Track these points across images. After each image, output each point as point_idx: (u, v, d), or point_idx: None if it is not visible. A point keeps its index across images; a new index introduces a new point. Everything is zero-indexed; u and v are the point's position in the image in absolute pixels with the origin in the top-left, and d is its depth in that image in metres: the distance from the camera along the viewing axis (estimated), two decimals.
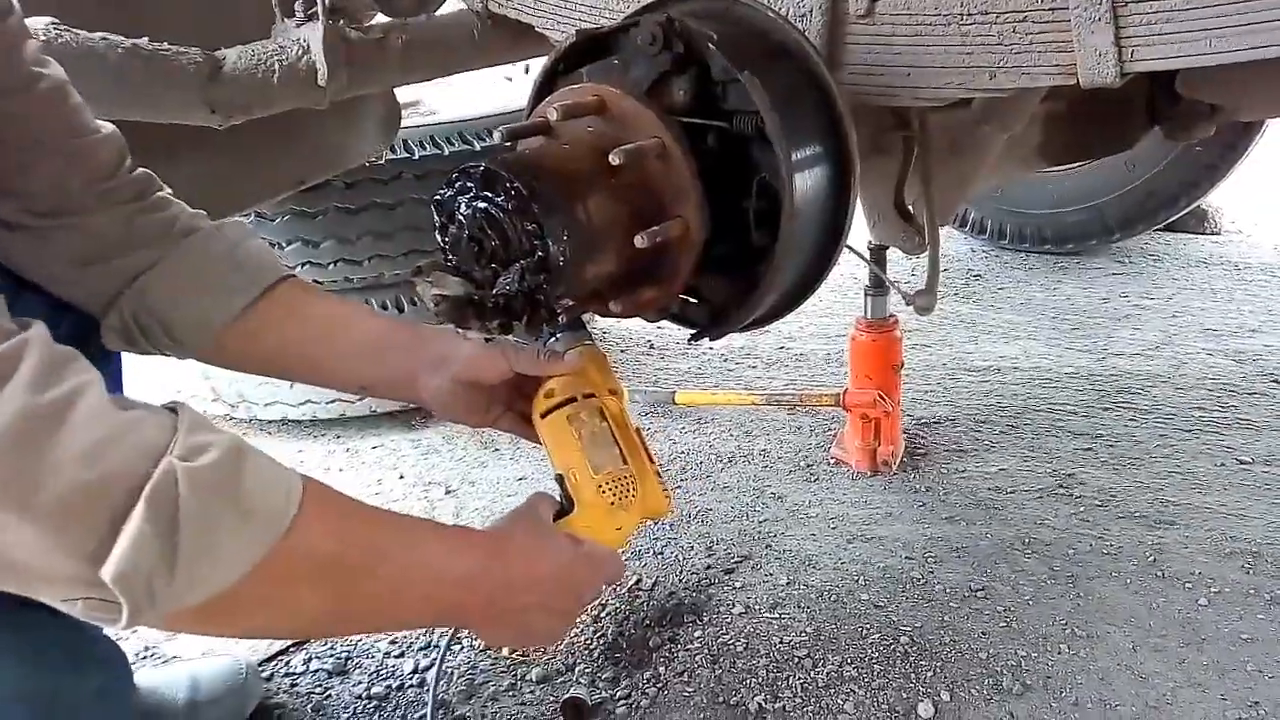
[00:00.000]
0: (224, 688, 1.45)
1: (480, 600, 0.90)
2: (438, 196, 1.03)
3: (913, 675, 1.50)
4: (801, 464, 2.15)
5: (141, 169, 1.06)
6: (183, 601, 0.67)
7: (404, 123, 2.07)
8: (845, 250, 1.27)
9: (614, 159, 1.02)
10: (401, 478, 2.23)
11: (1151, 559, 1.74)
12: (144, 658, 1.65)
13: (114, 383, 1.17)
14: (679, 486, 2.09)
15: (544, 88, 1.21)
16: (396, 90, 1.92)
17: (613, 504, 1.09)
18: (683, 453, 2.23)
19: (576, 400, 1.14)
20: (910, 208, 1.78)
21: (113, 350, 1.05)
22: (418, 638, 1.65)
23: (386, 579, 0.81)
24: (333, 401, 2.37)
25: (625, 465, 1.10)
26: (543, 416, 1.15)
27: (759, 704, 1.45)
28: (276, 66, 1.43)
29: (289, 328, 1.07)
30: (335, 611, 0.80)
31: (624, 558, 1.81)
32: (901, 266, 3.24)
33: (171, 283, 1.01)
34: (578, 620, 1.03)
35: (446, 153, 2.24)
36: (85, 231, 0.97)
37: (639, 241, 1.03)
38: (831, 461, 2.15)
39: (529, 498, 1.12)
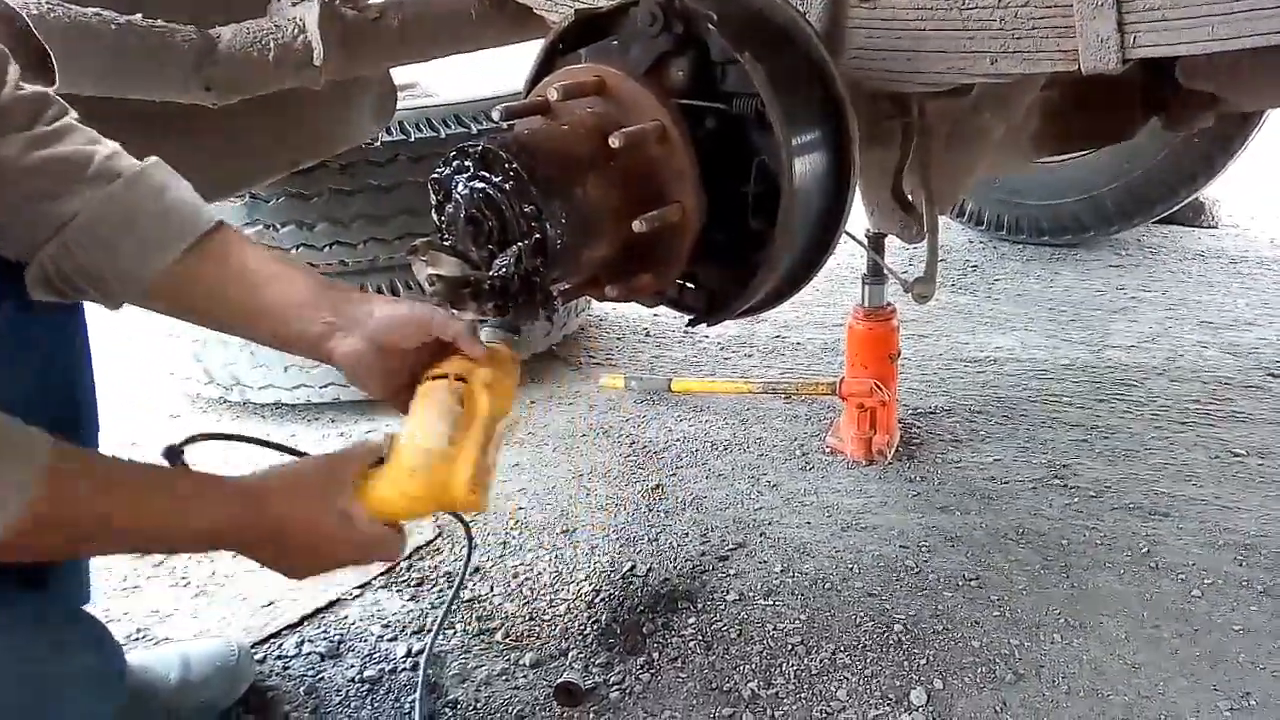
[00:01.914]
0: (215, 668, 1.44)
1: (232, 543, 0.98)
2: (434, 174, 1.02)
3: (906, 663, 1.50)
4: (797, 453, 2.15)
5: (35, 88, 1.00)
6: None
7: (400, 104, 2.05)
8: (843, 238, 1.26)
9: (614, 142, 1.01)
10: None
11: (1145, 550, 1.74)
12: (135, 639, 1.64)
13: (69, 347, 1.16)
14: (674, 474, 2.09)
15: (543, 68, 1.20)
16: (393, 71, 1.91)
17: (411, 472, 1.04)
18: (678, 440, 2.23)
19: (451, 379, 1.08)
20: (909, 196, 1.77)
21: (38, 299, 1.00)
22: (411, 622, 1.65)
23: (125, 538, 0.92)
24: (327, 385, 2.36)
25: (447, 446, 1.04)
26: (419, 384, 1.11)
27: (752, 690, 1.46)
28: (272, 45, 1.42)
29: (216, 281, 1.04)
30: (91, 554, 0.94)
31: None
32: (899, 256, 3.24)
33: (98, 235, 0.97)
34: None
35: (443, 135, 2.22)
36: (14, 182, 0.93)
37: (637, 226, 1.03)
38: (827, 450, 2.15)
39: (353, 444, 1.11)
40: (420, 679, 1.30)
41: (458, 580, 1.64)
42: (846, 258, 3.35)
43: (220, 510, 0.96)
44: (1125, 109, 2.00)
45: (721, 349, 2.74)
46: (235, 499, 0.97)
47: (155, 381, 2.49)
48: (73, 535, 0.87)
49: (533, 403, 2.47)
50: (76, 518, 0.85)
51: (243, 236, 1.08)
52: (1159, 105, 2.00)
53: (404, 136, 2.20)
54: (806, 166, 1.13)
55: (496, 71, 2.53)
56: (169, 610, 1.70)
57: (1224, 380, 2.39)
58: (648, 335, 2.84)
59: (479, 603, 1.69)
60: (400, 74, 2.04)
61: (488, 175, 1.00)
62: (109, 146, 1.02)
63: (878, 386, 2.03)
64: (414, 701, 1.45)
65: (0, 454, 0.78)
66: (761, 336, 2.80)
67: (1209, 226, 3.59)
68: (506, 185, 0.98)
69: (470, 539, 1.41)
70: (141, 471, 0.93)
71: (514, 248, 0.99)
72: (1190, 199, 3.22)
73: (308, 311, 1.05)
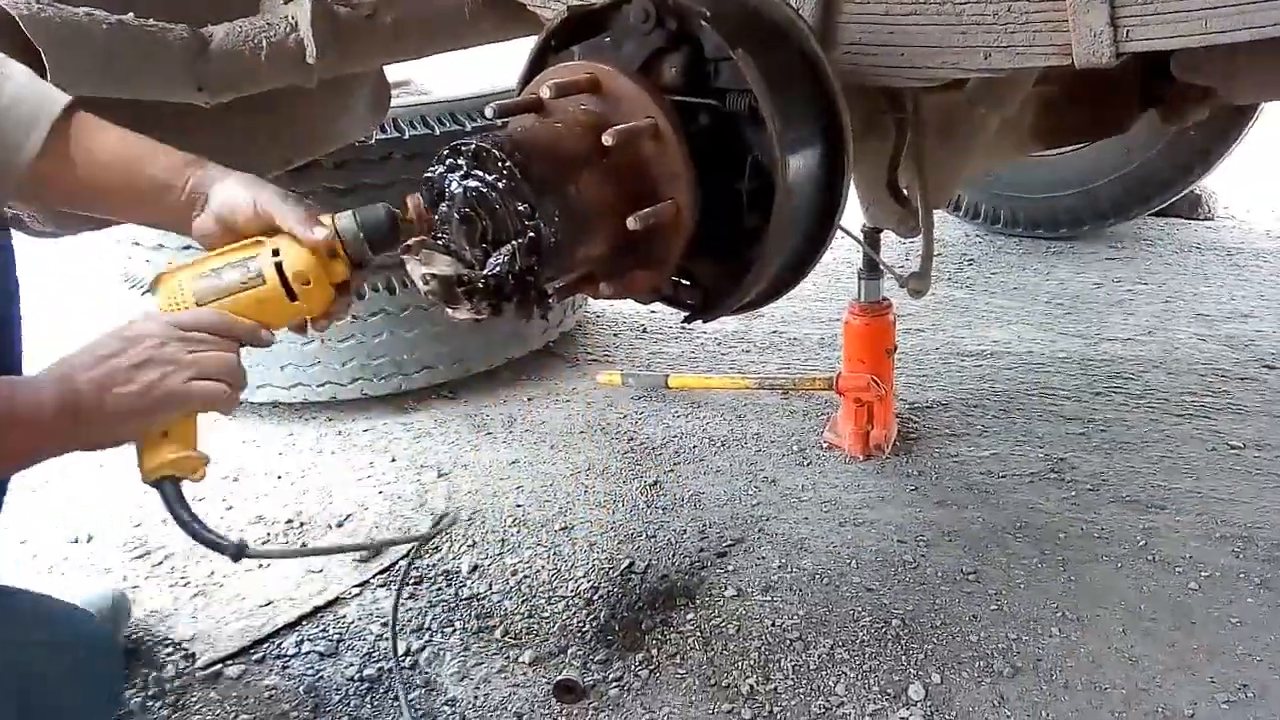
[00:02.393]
0: (95, 610, 1.53)
1: (72, 419, 0.90)
2: (427, 173, 1.02)
3: (904, 657, 1.50)
4: (794, 448, 2.15)
5: None
6: None
7: (394, 102, 2.04)
8: (838, 234, 1.26)
9: (607, 139, 1.00)
10: (393, 460, 2.22)
11: (1142, 543, 1.74)
12: (136, 638, 1.64)
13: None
14: (672, 471, 2.09)
15: (535, 65, 1.19)
16: (386, 69, 1.90)
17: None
18: (676, 437, 2.23)
19: (254, 243, 1.05)
20: (904, 190, 1.77)
21: None
22: (410, 620, 1.65)
23: None
24: (324, 385, 2.36)
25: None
26: None
27: (751, 685, 1.46)
28: (264, 43, 1.41)
29: (83, 167, 1.03)
30: None
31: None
32: (894, 251, 3.24)
33: None
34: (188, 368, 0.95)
35: (438, 133, 2.22)
36: None
37: (632, 224, 1.02)
38: (824, 446, 2.15)
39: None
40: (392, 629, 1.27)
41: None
42: (842, 253, 3.34)
43: (43, 394, 0.90)
44: (1121, 103, 2.00)
45: (718, 345, 2.74)
46: (47, 383, 0.92)
47: None
48: None
49: (530, 399, 2.47)
50: None
51: (98, 120, 1.06)
52: (1155, 99, 2.00)
53: (398, 134, 2.20)
54: (800, 162, 1.13)
55: (490, 69, 2.53)
56: (168, 610, 1.70)
57: (1220, 373, 2.39)
58: (644, 332, 2.84)
59: (478, 600, 1.69)
60: (394, 71, 2.03)
61: (481, 173, 0.99)
62: None
63: (875, 381, 2.03)
64: (411, 699, 1.45)
65: None
66: (758, 332, 2.80)
67: (1205, 219, 3.58)
68: (500, 183, 0.98)
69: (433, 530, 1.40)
70: None
71: (508, 246, 0.99)
72: (1186, 192, 3.22)
73: (170, 194, 1.05)
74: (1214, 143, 2.98)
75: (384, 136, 2.18)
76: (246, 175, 1.06)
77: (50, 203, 1.08)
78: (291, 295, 1.04)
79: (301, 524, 1.97)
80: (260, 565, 1.84)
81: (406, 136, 2.20)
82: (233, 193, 1.04)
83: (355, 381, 2.37)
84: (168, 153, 1.07)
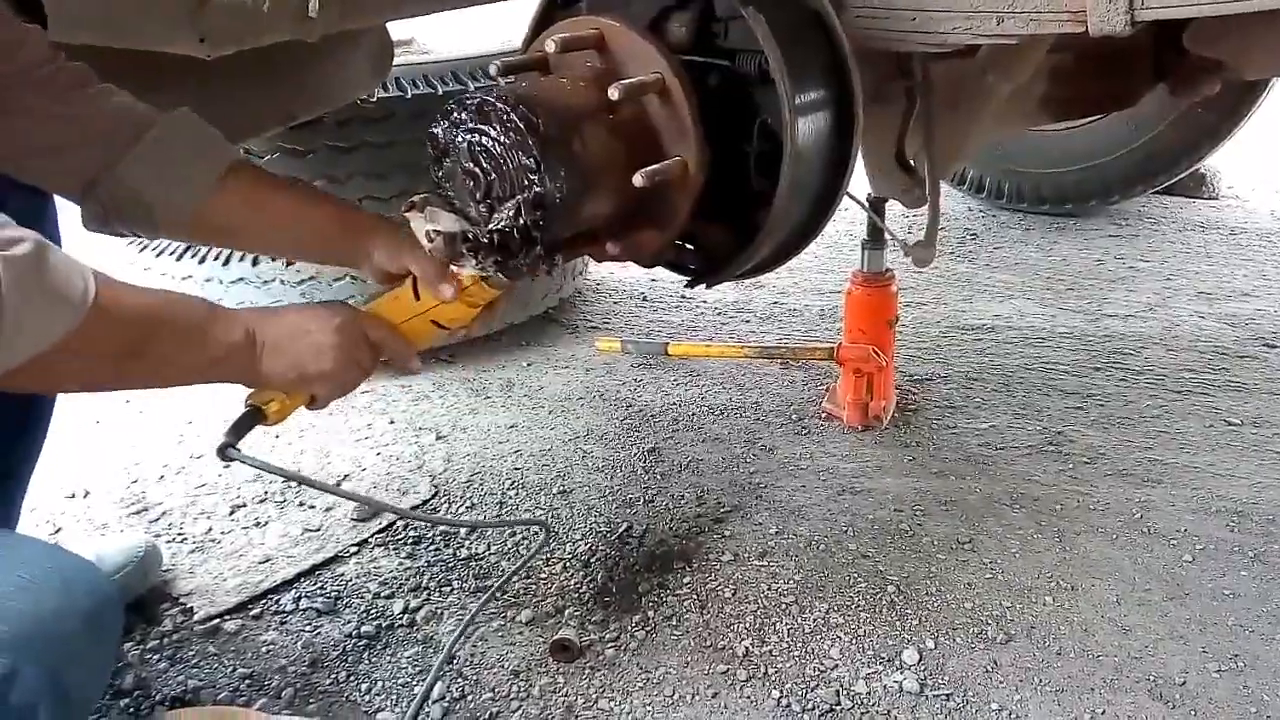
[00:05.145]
0: (126, 559, 1.60)
1: (247, 353, 1.05)
2: (432, 128, 1.01)
3: (898, 623, 1.51)
4: (793, 417, 2.15)
5: (78, 62, 1.12)
6: (4, 365, 0.83)
7: (397, 61, 2.02)
8: (843, 204, 1.25)
9: (613, 93, 1.00)
10: (392, 423, 2.22)
11: (1138, 516, 1.75)
12: None
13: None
14: (670, 438, 2.09)
15: (542, 21, 1.18)
16: (390, 26, 1.87)
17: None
18: (675, 404, 2.23)
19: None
20: (911, 160, 1.76)
21: (91, 230, 1.15)
22: (408, 579, 1.66)
23: (166, 347, 0.99)
24: None
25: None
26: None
27: (746, 647, 1.47)
28: None
29: (246, 216, 1.17)
30: (126, 367, 0.97)
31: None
32: (898, 224, 3.22)
33: (148, 170, 1.09)
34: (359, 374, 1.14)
35: (440, 92, 2.19)
36: (36, 119, 1.05)
37: (638, 180, 1.02)
38: (823, 416, 2.15)
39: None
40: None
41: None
42: (845, 226, 3.33)
43: (243, 322, 1.06)
44: (1132, 75, 1.99)
45: (718, 314, 2.73)
46: (249, 316, 1.08)
47: None
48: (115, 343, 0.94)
49: (529, 365, 2.46)
50: (128, 327, 0.95)
51: (260, 172, 1.19)
52: (1166, 71, 1.98)
53: (400, 93, 2.18)
54: (810, 125, 1.12)
55: (495, 27, 2.50)
56: (166, 565, 1.71)
57: (1221, 350, 2.39)
58: (644, 300, 2.83)
59: (475, 561, 1.70)
60: (397, 29, 2.01)
61: (485, 128, 0.99)
62: (143, 105, 1.14)
63: (875, 352, 2.03)
64: (413, 655, 1.46)
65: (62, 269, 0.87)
66: (759, 303, 2.79)
67: (1209, 198, 3.57)
68: (504, 138, 0.97)
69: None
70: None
71: (512, 201, 0.99)
72: (1193, 169, 3.20)
73: (334, 245, 1.20)
74: (1222, 120, 2.96)
75: (386, 95, 2.16)
76: (393, 238, 1.16)
77: (217, 239, 1.29)
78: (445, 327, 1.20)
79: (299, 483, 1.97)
80: (257, 523, 1.84)
81: (409, 96, 2.18)
82: (384, 259, 1.17)
83: None
84: (317, 204, 1.21)
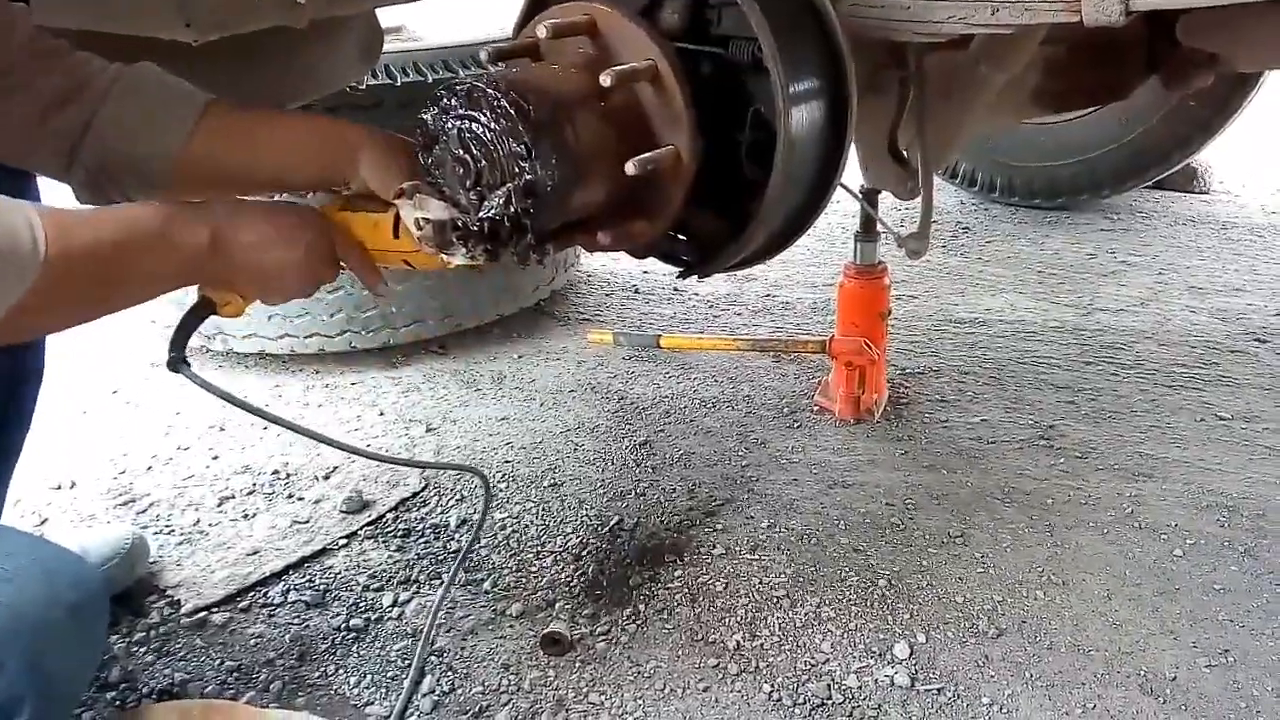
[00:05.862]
0: (112, 552, 1.58)
1: (212, 258, 1.02)
2: (422, 115, 1.00)
3: (890, 617, 1.51)
4: (785, 410, 2.15)
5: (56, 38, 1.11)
6: None
7: (386, 48, 2.00)
8: (835, 198, 1.24)
9: (605, 80, 0.98)
10: (381, 414, 2.20)
11: (1129, 510, 1.75)
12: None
13: None
14: (662, 431, 2.08)
15: (533, 6, 1.16)
16: (379, 13, 1.85)
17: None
18: (666, 397, 2.22)
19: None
20: (904, 151, 1.75)
21: (84, 202, 1.11)
22: (397, 572, 1.65)
23: (130, 271, 0.98)
24: (311, 336, 2.33)
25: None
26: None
27: (737, 641, 1.46)
28: None
29: (230, 150, 1.13)
30: (99, 302, 0.97)
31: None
32: (890, 217, 3.21)
33: (124, 122, 1.06)
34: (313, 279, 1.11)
35: (430, 80, 2.18)
36: (30, 90, 1.03)
37: (630, 168, 1.00)
38: (815, 409, 2.14)
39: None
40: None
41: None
42: (838, 219, 3.33)
43: (202, 226, 1.02)
44: (1125, 67, 1.98)
45: (710, 307, 2.72)
46: (205, 215, 1.04)
47: (136, 329, 2.46)
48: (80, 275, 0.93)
49: (520, 357, 2.45)
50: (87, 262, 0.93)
51: (232, 104, 1.15)
52: (1158, 64, 1.98)
53: (390, 80, 2.16)
54: (804, 114, 1.10)
55: (485, 15, 2.48)
56: (153, 557, 1.69)
57: (1211, 345, 2.40)
58: (636, 292, 2.82)
59: (466, 554, 1.69)
60: (386, 16, 1.99)
61: (475, 114, 0.97)
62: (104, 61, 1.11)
63: (867, 345, 2.03)
64: (402, 649, 1.45)
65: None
66: (751, 296, 2.78)
67: (1201, 192, 3.58)
68: (495, 124, 0.96)
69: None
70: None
71: (503, 189, 0.97)
72: (1184, 163, 3.20)
73: (315, 170, 1.16)
74: (1214, 114, 2.96)
75: (376, 83, 2.14)
76: (384, 155, 1.12)
77: (206, 188, 1.15)
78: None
79: (289, 475, 1.96)
80: (245, 515, 1.83)
81: (398, 83, 2.16)
82: (373, 170, 1.12)
83: (343, 334, 2.35)
84: (294, 122, 1.18)
